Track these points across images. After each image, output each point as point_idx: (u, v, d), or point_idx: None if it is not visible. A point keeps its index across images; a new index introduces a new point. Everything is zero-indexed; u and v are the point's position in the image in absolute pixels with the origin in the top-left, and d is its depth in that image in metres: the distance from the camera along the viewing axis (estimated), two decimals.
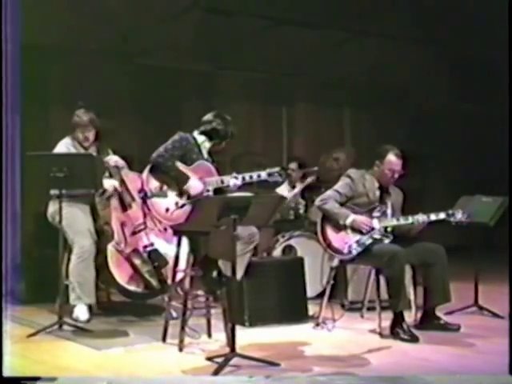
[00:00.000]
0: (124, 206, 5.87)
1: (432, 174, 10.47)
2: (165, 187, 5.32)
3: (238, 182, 5.35)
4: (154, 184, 5.34)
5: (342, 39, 9.37)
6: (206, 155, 5.56)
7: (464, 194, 6.12)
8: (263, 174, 5.32)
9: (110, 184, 5.80)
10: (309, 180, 7.21)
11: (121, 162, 5.91)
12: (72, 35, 7.39)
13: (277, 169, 5.32)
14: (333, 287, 5.67)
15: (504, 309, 5.39)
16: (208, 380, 4.27)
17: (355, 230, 5.43)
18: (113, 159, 5.88)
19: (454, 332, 5.44)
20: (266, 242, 6.77)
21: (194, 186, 5.31)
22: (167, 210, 5.29)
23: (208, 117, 5.61)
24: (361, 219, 5.43)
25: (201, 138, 5.51)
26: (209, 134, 5.53)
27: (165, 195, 5.31)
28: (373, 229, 5.43)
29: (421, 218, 5.42)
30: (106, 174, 5.88)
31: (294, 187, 7.53)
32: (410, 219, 5.44)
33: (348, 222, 5.43)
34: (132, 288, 5.75)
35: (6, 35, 5.61)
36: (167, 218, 5.31)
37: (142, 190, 5.43)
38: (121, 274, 5.71)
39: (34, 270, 6.53)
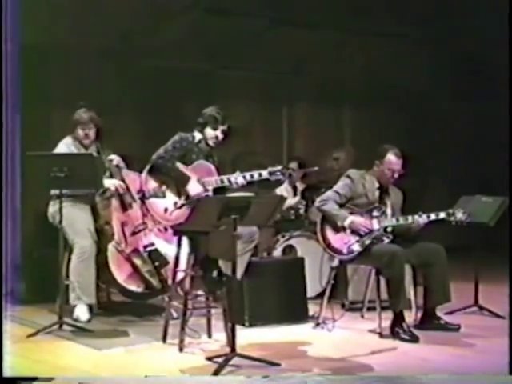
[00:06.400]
0: (124, 206, 5.88)
1: (432, 174, 10.46)
2: (164, 187, 5.32)
3: (244, 181, 5.31)
4: (152, 184, 5.33)
5: (341, 39, 9.37)
6: (205, 154, 5.53)
7: (464, 194, 6.12)
8: (264, 173, 5.29)
9: (112, 183, 5.81)
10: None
11: (122, 163, 5.94)
12: (72, 35, 7.39)
13: (279, 167, 5.29)
14: (333, 287, 5.67)
15: (504, 309, 5.40)
16: (208, 380, 4.27)
17: (354, 231, 5.43)
18: (116, 158, 5.91)
19: (454, 332, 5.44)
20: (265, 242, 6.78)
21: (193, 188, 5.30)
22: (166, 210, 5.29)
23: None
24: (359, 221, 5.43)
25: (198, 136, 5.49)
26: (202, 125, 5.47)
27: (163, 195, 5.30)
28: (371, 230, 5.43)
29: (420, 217, 5.42)
30: (107, 173, 5.89)
31: (294, 187, 7.54)
32: (410, 219, 5.44)
33: (346, 223, 5.43)
34: (132, 288, 5.75)
35: (6, 35, 5.61)
36: (166, 219, 5.30)
37: (140, 191, 5.43)
38: (121, 274, 5.72)
39: (33, 270, 6.53)
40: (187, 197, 5.30)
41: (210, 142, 5.48)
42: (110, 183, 5.80)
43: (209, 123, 5.43)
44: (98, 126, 5.90)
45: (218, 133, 5.45)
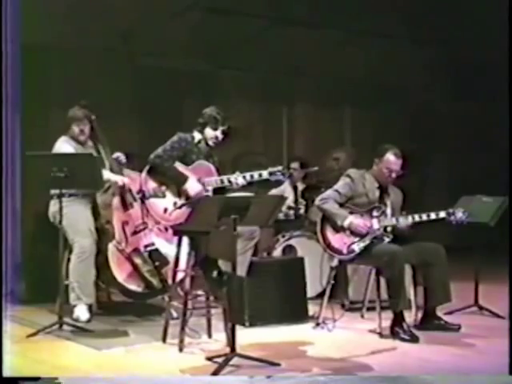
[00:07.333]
0: (125, 206, 5.88)
1: (432, 174, 10.46)
2: (163, 187, 5.31)
3: (244, 181, 5.30)
4: (151, 185, 5.33)
5: (342, 39, 9.36)
6: (204, 154, 5.52)
7: (464, 194, 6.12)
8: (264, 173, 5.29)
9: (120, 178, 5.81)
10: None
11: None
12: (72, 35, 7.39)
13: (279, 168, 5.28)
14: (333, 287, 5.67)
15: (504, 309, 5.40)
16: (208, 380, 4.27)
17: (353, 231, 5.43)
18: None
19: (454, 332, 5.44)
20: (265, 242, 6.78)
21: (192, 186, 5.29)
22: (165, 210, 5.28)
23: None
24: (358, 222, 5.42)
25: (198, 136, 5.49)
26: (202, 126, 5.46)
27: (163, 196, 5.29)
28: (371, 230, 5.42)
29: (420, 217, 5.42)
30: (107, 167, 5.89)
31: (295, 187, 7.53)
32: (410, 219, 5.44)
33: (346, 223, 5.42)
34: (132, 287, 5.76)
35: (6, 35, 5.61)
36: (165, 219, 5.30)
37: (140, 191, 5.42)
38: (121, 274, 5.73)
39: (34, 270, 6.53)
40: (187, 197, 5.29)
41: (210, 142, 5.47)
42: (117, 178, 5.81)
43: (209, 123, 5.43)
44: (92, 123, 5.92)
45: (218, 133, 5.45)
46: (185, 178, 5.28)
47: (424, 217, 5.41)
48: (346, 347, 5.02)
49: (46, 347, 4.93)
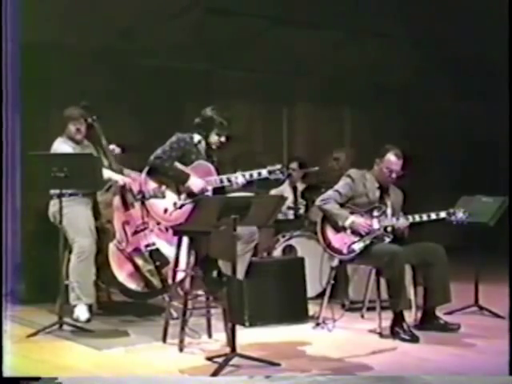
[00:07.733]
0: (126, 206, 5.88)
1: (432, 174, 10.46)
2: (163, 188, 5.30)
3: (244, 180, 5.29)
4: (151, 185, 5.32)
5: (342, 39, 9.36)
6: (204, 154, 5.52)
7: (464, 194, 6.12)
8: (264, 172, 5.28)
9: (121, 177, 5.81)
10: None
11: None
12: (72, 34, 7.39)
13: (278, 166, 5.28)
14: (333, 287, 5.67)
15: (504, 309, 5.39)
16: (208, 380, 4.27)
17: (354, 231, 5.43)
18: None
19: (453, 332, 5.44)
20: (266, 242, 6.78)
21: (195, 183, 5.28)
22: (166, 210, 5.27)
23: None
24: (359, 221, 5.42)
25: (197, 137, 5.48)
26: (204, 129, 5.45)
27: (163, 196, 5.29)
28: (372, 230, 5.42)
29: (420, 217, 5.42)
30: (106, 163, 5.90)
31: (294, 187, 7.53)
32: (410, 219, 5.45)
33: (347, 223, 5.43)
34: (132, 287, 5.76)
35: (6, 34, 5.60)
36: (166, 219, 5.29)
37: (140, 192, 5.42)
38: (121, 273, 5.73)
39: (34, 269, 6.53)
40: (190, 194, 5.27)
41: (214, 147, 5.47)
42: (118, 177, 5.81)
43: (214, 129, 5.40)
44: (92, 123, 5.93)
45: (223, 139, 5.46)
46: (187, 176, 5.28)
47: (424, 217, 5.42)
48: (345, 347, 5.02)
49: (46, 347, 4.93)
